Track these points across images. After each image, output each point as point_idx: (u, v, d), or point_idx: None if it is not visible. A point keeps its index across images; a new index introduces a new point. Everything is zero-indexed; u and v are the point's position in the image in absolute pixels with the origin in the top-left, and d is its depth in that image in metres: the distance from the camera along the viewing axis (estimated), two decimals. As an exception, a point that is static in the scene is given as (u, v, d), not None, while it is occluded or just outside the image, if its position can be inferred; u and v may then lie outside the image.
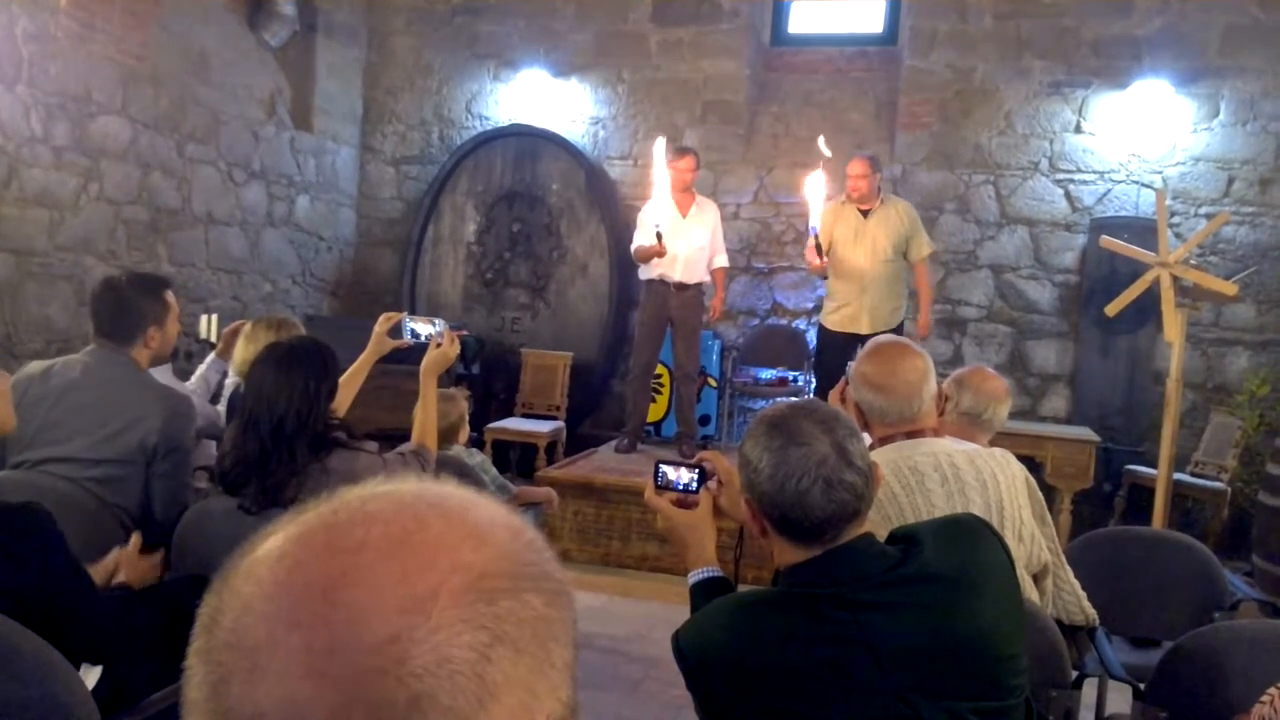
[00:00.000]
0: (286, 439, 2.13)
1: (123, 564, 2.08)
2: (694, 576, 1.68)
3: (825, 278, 5.36)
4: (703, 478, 1.75)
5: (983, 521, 1.50)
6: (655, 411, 6.32)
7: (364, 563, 0.46)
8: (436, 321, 2.69)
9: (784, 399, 5.81)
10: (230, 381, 3.32)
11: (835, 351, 5.06)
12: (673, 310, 5.46)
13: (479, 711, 0.45)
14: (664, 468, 1.77)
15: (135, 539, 2.14)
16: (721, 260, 5.62)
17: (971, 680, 1.30)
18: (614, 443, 5.80)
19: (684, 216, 5.45)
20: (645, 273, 5.51)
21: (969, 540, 1.42)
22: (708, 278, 5.59)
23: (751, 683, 1.30)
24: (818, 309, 5.96)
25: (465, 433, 3.51)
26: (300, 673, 0.44)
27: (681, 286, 5.44)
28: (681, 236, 5.41)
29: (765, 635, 1.33)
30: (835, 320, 5.28)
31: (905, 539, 1.41)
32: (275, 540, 0.49)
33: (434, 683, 0.44)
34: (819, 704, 1.28)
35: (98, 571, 1.99)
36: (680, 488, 1.75)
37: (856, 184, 5.18)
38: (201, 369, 3.48)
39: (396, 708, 0.43)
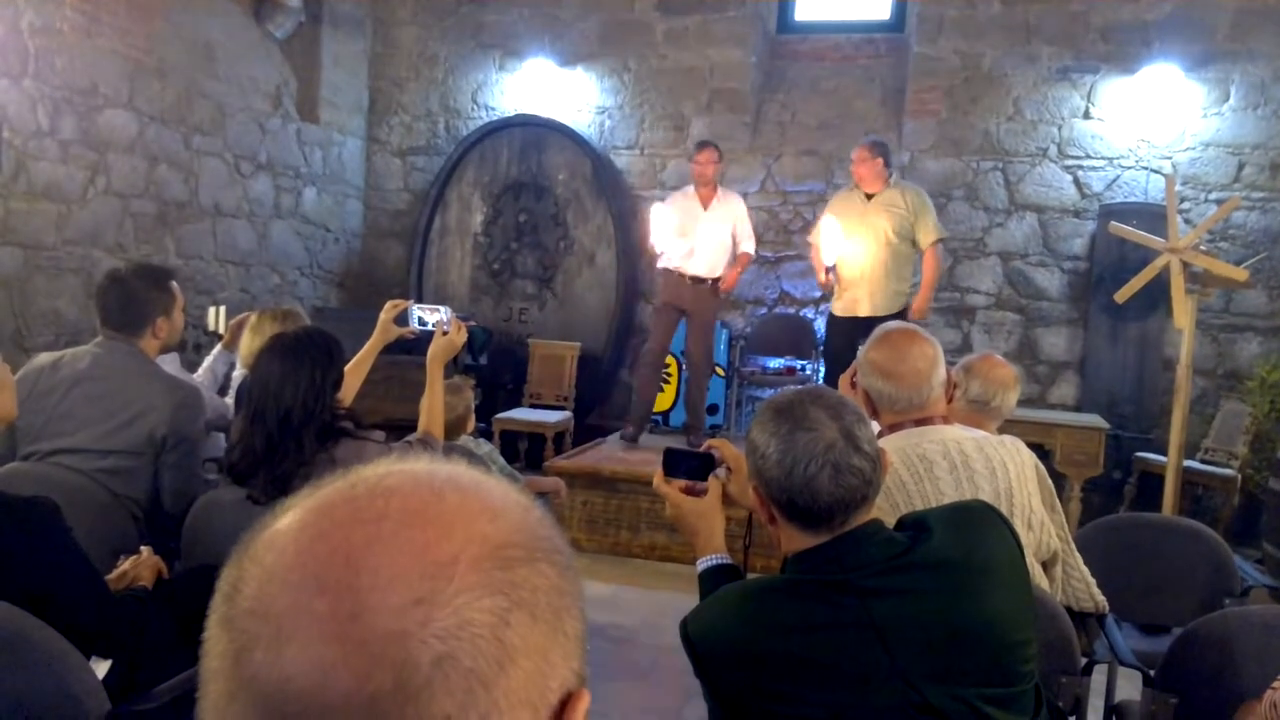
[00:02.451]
0: (293, 430, 2.14)
1: (134, 571, 2.08)
2: (703, 564, 1.68)
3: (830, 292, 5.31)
4: (711, 465, 1.74)
5: (991, 508, 1.49)
6: (663, 401, 6.32)
7: (386, 532, 0.48)
8: (443, 309, 2.68)
9: (791, 387, 5.80)
10: (237, 374, 3.33)
11: (840, 337, 5.07)
12: (687, 302, 5.44)
13: (498, 674, 0.46)
14: (673, 456, 1.76)
15: (146, 550, 2.14)
16: (747, 246, 5.53)
17: (979, 666, 1.30)
18: (620, 432, 5.79)
19: (704, 210, 5.42)
20: (663, 261, 5.47)
21: (977, 527, 1.42)
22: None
23: (760, 669, 1.30)
24: (825, 298, 5.94)
25: (471, 423, 3.52)
26: (326, 637, 0.45)
27: (698, 280, 5.42)
28: (701, 231, 5.38)
29: (773, 622, 1.33)
30: (839, 305, 5.27)
31: (914, 525, 1.41)
32: (295, 513, 0.50)
33: (456, 645, 0.45)
34: (827, 690, 1.28)
35: (112, 580, 2.00)
36: (689, 475, 1.74)
37: (854, 169, 5.20)
38: (208, 361, 3.49)
39: (420, 669, 0.44)
